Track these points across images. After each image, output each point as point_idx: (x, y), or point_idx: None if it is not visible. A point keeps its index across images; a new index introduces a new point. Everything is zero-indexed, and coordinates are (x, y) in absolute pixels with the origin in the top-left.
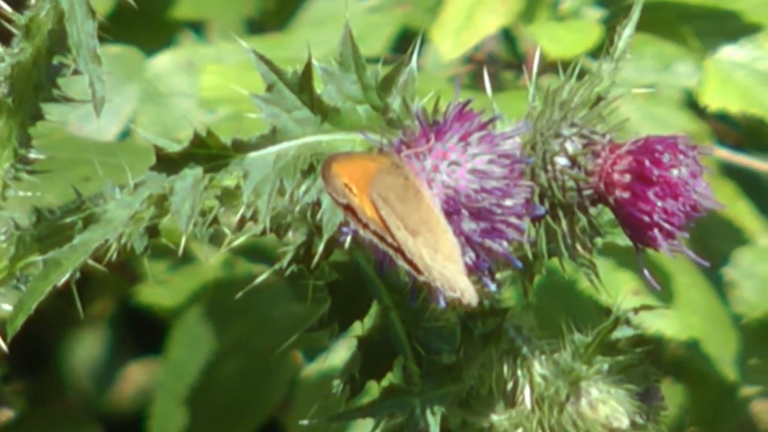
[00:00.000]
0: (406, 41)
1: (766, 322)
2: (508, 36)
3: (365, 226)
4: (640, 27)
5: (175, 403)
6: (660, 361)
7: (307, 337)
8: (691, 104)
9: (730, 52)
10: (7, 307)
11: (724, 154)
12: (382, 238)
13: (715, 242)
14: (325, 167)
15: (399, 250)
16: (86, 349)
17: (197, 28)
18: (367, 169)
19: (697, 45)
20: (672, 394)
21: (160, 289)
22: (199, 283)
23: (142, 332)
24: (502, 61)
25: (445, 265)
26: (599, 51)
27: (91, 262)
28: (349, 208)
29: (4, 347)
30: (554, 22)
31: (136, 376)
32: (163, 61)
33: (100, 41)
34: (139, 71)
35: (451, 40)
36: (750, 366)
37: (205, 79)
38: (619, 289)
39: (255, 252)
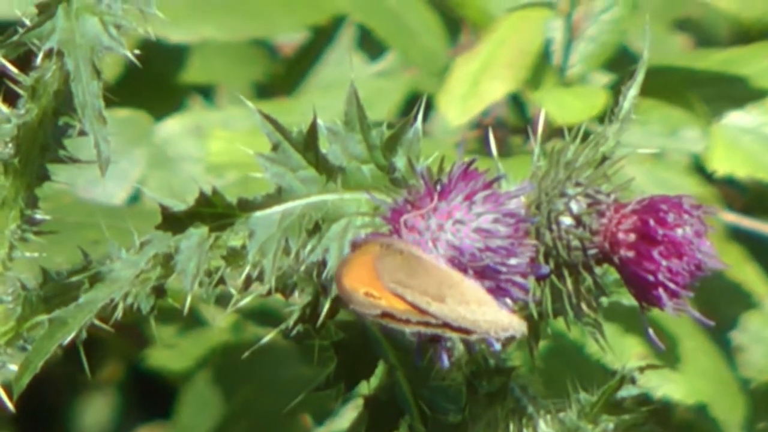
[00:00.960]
0: (413, 106)
1: None
2: (516, 101)
3: (407, 322)
4: (647, 92)
5: None
6: (669, 424)
7: (316, 400)
8: (699, 168)
9: (736, 118)
10: (14, 368)
11: (732, 218)
12: (426, 324)
13: (723, 306)
14: (340, 289)
15: (445, 325)
16: (95, 413)
17: (207, 92)
18: (368, 265)
19: (703, 110)
20: None
21: (168, 353)
22: (207, 346)
23: (151, 396)
24: (510, 125)
25: (483, 311)
26: (606, 116)
27: (99, 323)
28: (385, 315)
29: (11, 407)
30: (561, 87)
31: None
32: (172, 125)
33: (109, 105)
34: (147, 135)
35: (458, 106)
36: (758, 430)
37: (213, 144)
38: (626, 354)
39: (263, 315)
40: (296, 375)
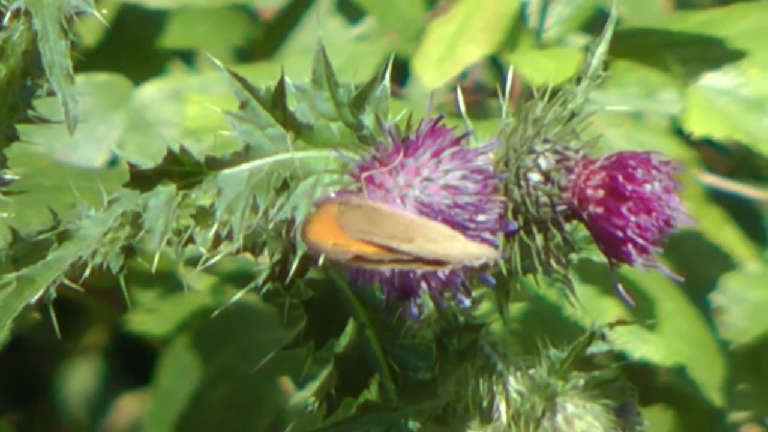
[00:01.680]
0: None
1: (754, 348)
2: (495, 64)
3: (380, 261)
4: (624, 54)
5: (164, 431)
6: (652, 387)
7: (296, 364)
8: (679, 131)
9: (713, 79)
10: None
11: (713, 180)
12: (400, 261)
13: (702, 268)
14: (306, 241)
15: (417, 259)
16: (79, 380)
17: (188, 57)
18: (330, 222)
19: (680, 72)
20: (663, 420)
21: (149, 318)
22: (188, 310)
23: (136, 363)
24: (488, 88)
25: (452, 245)
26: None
27: (73, 285)
28: (358, 258)
29: None
30: (536, 50)
31: (129, 406)
32: (150, 90)
33: (88, 69)
34: (126, 99)
35: (433, 69)
36: (739, 391)
37: (189, 109)
38: (603, 316)
39: (243, 278)
40: (275, 339)
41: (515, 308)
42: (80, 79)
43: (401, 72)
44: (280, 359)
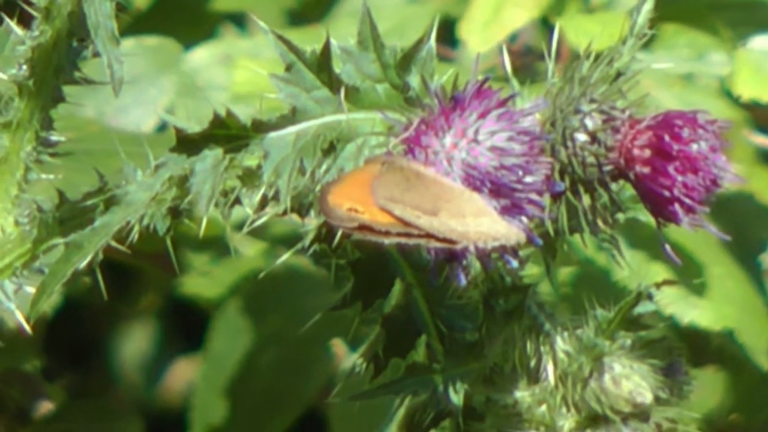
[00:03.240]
0: (444, 32)
1: None
2: (546, 26)
3: (387, 233)
4: (673, 17)
5: (215, 395)
6: (706, 349)
7: (348, 327)
8: (729, 93)
9: (761, 42)
10: (31, 291)
11: (765, 141)
12: (408, 235)
13: (753, 230)
14: (322, 203)
15: (429, 236)
16: (135, 343)
17: (239, 20)
18: (363, 183)
19: (728, 35)
20: (715, 382)
21: (202, 281)
22: (240, 274)
23: (191, 326)
24: (538, 51)
25: (478, 222)
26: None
27: (120, 247)
28: (363, 227)
29: (29, 330)
30: (583, 14)
31: (184, 370)
32: (201, 54)
33: (139, 32)
34: (176, 63)
35: (479, 34)
36: None
37: (238, 74)
38: (651, 280)
39: (294, 242)
40: (327, 304)
41: (565, 272)
42: (130, 42)
43: (452, 34)
44: (332, 323)
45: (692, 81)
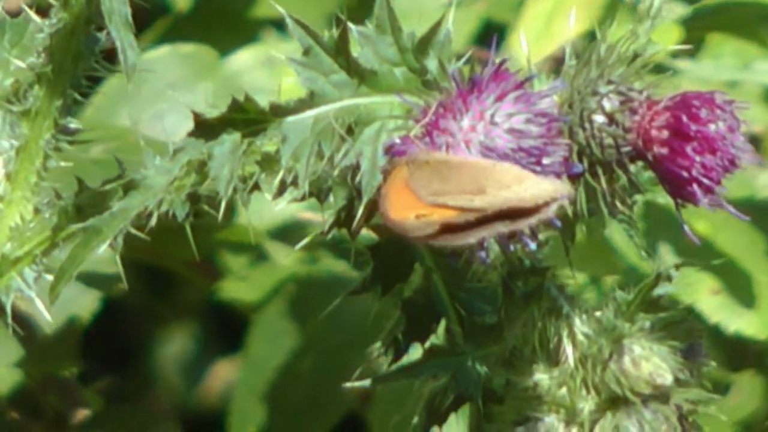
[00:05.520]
0: (486, 36)
1: None
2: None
3: (468, 226)
4: (719, 27)
5: (254, 399)
6: (745, 354)
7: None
8: None
9: None
10: (50, 278)
11: None
12: (485, 221)
13: None
14: (390, 222)
15: (500, 214)
16: (175, 345)
17: (280, 24)
18: (402, 189)
19: None
20: (754, 386)
21: (241, 285)
22: (279, 278)
23: (231, 329)
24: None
25: (524, 187)
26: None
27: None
28: (445, 230)
29: (48, 317)
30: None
31: (223, 372)
32: (244, 57)
33: (179, 39)
34: (212, 70)
35: (530, 47)
36: None
37: (285, 82)
38: (697, 288)
39: (338, 247)
40: (367, 309)
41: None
42: (166, 49)
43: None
44: (371, 327)
45: (735, 88)
